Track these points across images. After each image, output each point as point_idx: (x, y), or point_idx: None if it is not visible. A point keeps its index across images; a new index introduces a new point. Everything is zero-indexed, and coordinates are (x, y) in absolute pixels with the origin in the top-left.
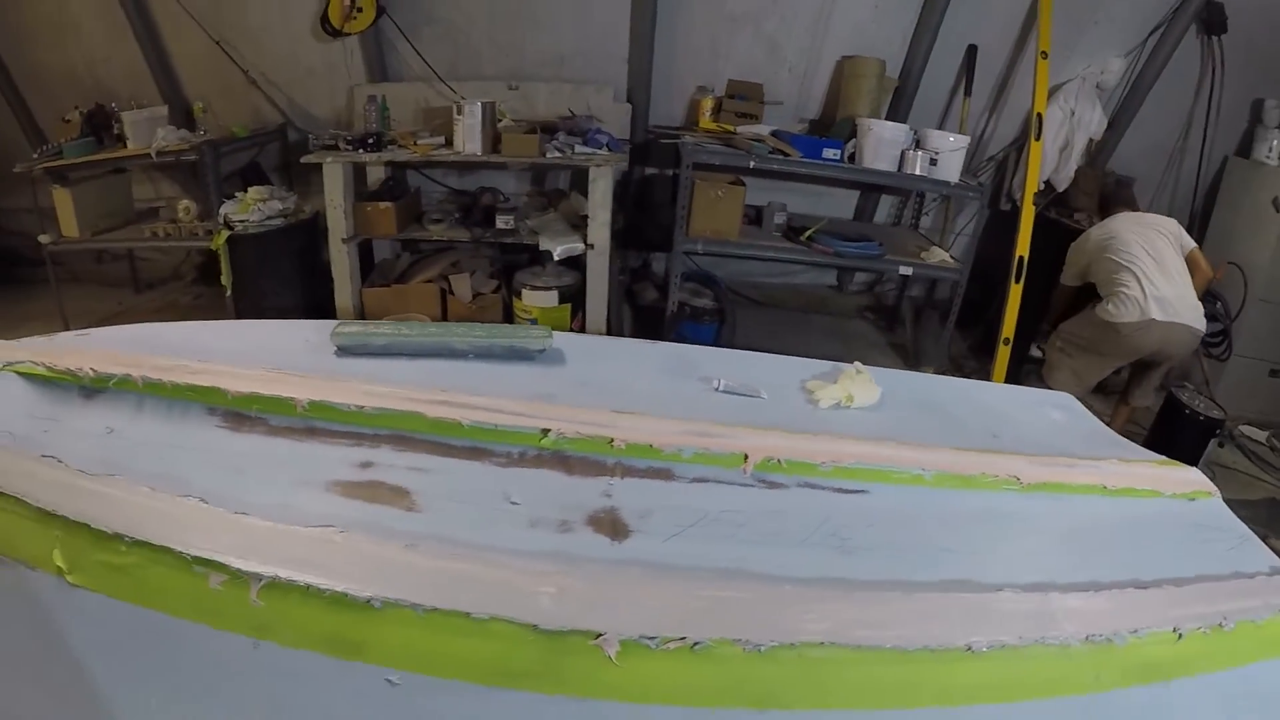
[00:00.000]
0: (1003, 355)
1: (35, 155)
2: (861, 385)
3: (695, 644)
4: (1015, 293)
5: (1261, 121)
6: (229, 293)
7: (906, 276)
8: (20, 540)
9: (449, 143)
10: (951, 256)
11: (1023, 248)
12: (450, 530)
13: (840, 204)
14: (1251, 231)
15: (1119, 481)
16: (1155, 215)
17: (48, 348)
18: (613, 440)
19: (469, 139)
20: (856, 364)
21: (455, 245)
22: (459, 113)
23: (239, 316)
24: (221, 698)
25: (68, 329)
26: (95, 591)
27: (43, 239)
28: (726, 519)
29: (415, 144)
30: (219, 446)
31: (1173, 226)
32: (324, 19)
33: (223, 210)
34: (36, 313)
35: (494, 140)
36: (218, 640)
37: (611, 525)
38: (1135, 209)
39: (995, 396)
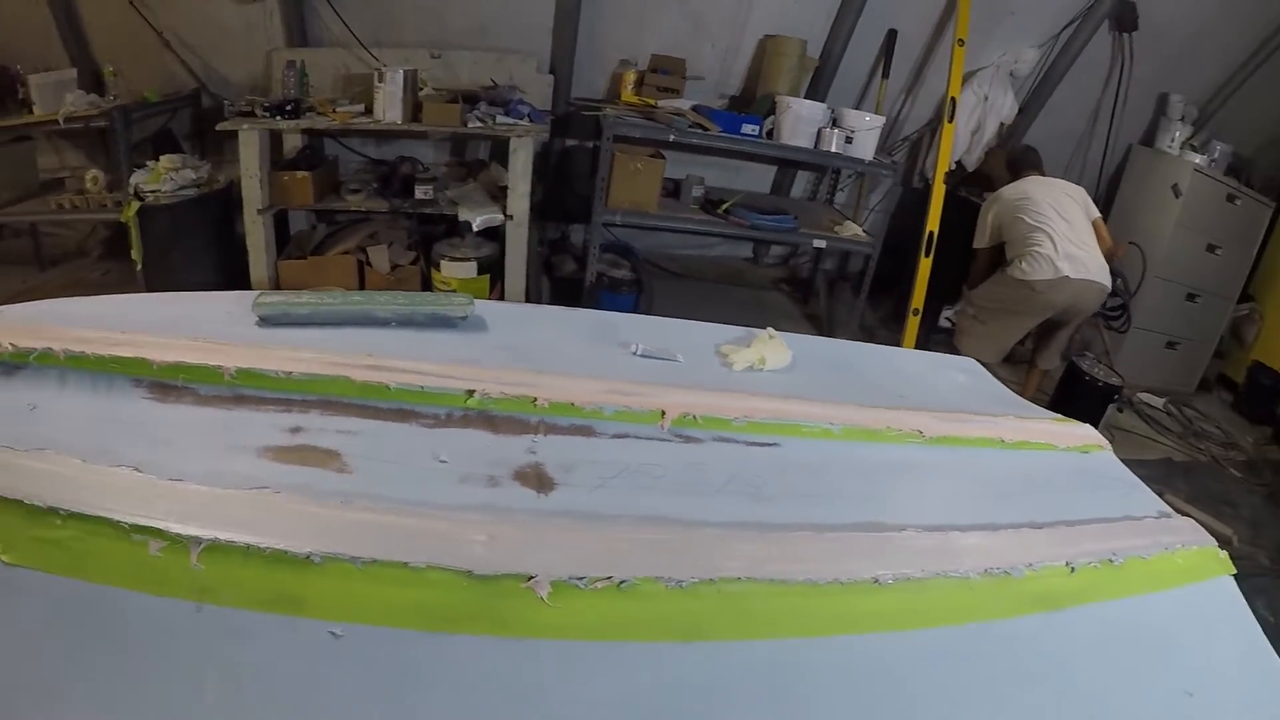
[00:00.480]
0: (912, 325)
1: None
2: (774, 349)
3: (621, 582)
4: (925, 266)
5: (1165, 114)
6: (140, 267)
7: (820, 249)
8: None
9: (368, 111)
10: (865, 231)
11: (933, 223)
12: (381, 489)
13: (758, 178)
14: (1152, 214)
15: (1016, 435)
16: (1063, 180)
17: None
18: (535, 399)
19: (389, 107)
20: (769, 329)
21: (372, 216)
22: (380, 80)
23: (151, 291)
24: (168, 662)
25: None
26: (33, 569)
27: None
28: (646, 471)
29: (334, 112)
30: (147, 417)
31: (1080, 193)
32: None
33: (133, 180)
34: None
35: (415, 109)
36: (160, 606)
37: (537, 479)
38: (1043, 174)
39: (903, 361)
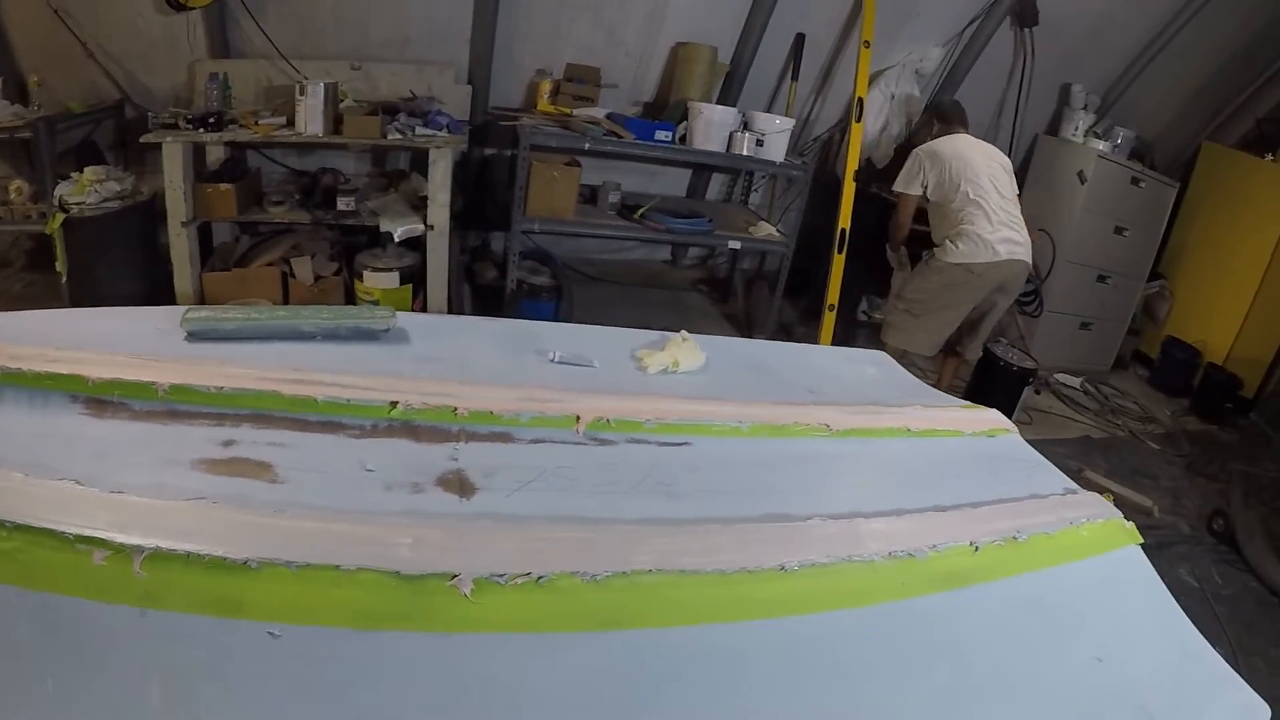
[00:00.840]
0: (828, 320)
1: None
2: (687, 351)
3: (540, 578)
4: (839, 262)
5: (1069, 104)
6: (65, 279)
7: (736, 250)
8: None
9: (290, 123)
10: (779, 230)
11: (845, 220)
12: (312, 498)
13: (674, 182)
14: (1059, 202)
15: (922, 423)
16: (991, 146)
17: None
18: (456, 409)
19: (311, 120)
20: (683, 332)
21: (294, 228)
22: (301, 93)
23: (75, 304)
24: (113, 667)
25: None
26: None
27: None
28: (563, 473)
29: (256, 124)
30: (84, 432)
31: (1008, 164)
32: None
33: (57, 192)
34: None
35: (336, 121)
36: (106, 613)
37: (459, 484)
38: (969, 133)
39: (816, 357)
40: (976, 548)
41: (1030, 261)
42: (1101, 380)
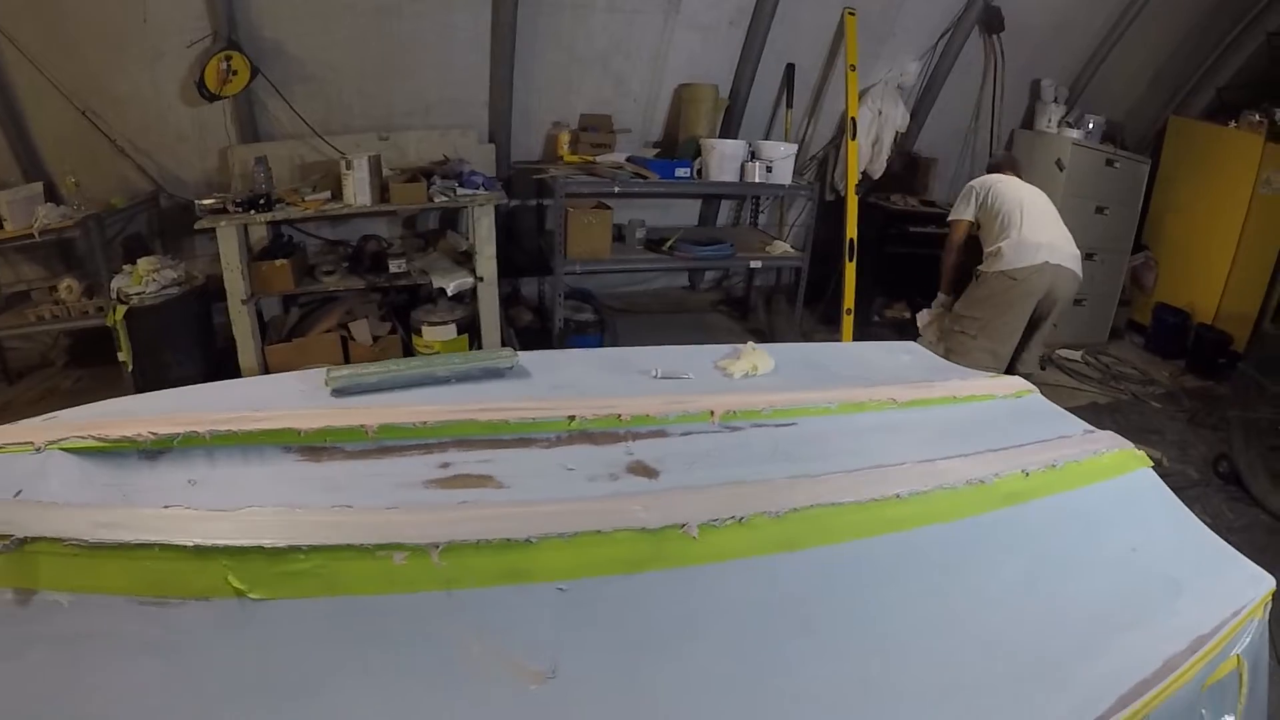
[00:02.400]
0: (848, 323)
1: None
2: (760, 357)
3: (740, 518)
4: (850, 270)
5: (1040, 98)
6: (130, 368)
7: (754, 269)
8: (183, 580)
9: (335, 196)
10: (792, 247)
11: (851, 231)
12: (539, 493)
13: (685, 213)
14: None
15: (964, 391)
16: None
17: (56, 426)
18: (620, 415)
19: (359, 191)
20: (750, 343)
21: (339, 295)
22: (348, 167)
23: (142, 391)
24: (431, 639)
25: None
26: (282, 598)
27: None
28: (714, 454)
29: (303, 200)
30: (310, 474)
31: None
32: (200, 84)
33: (114, 285)
34: None
35: (382, 190)
36: (412, 601)
37: (644, 470)
38: (1020, 178)
39: (859, 351)
40: (1026, 473)
41: (1079, 274)
42: (1101, 351)
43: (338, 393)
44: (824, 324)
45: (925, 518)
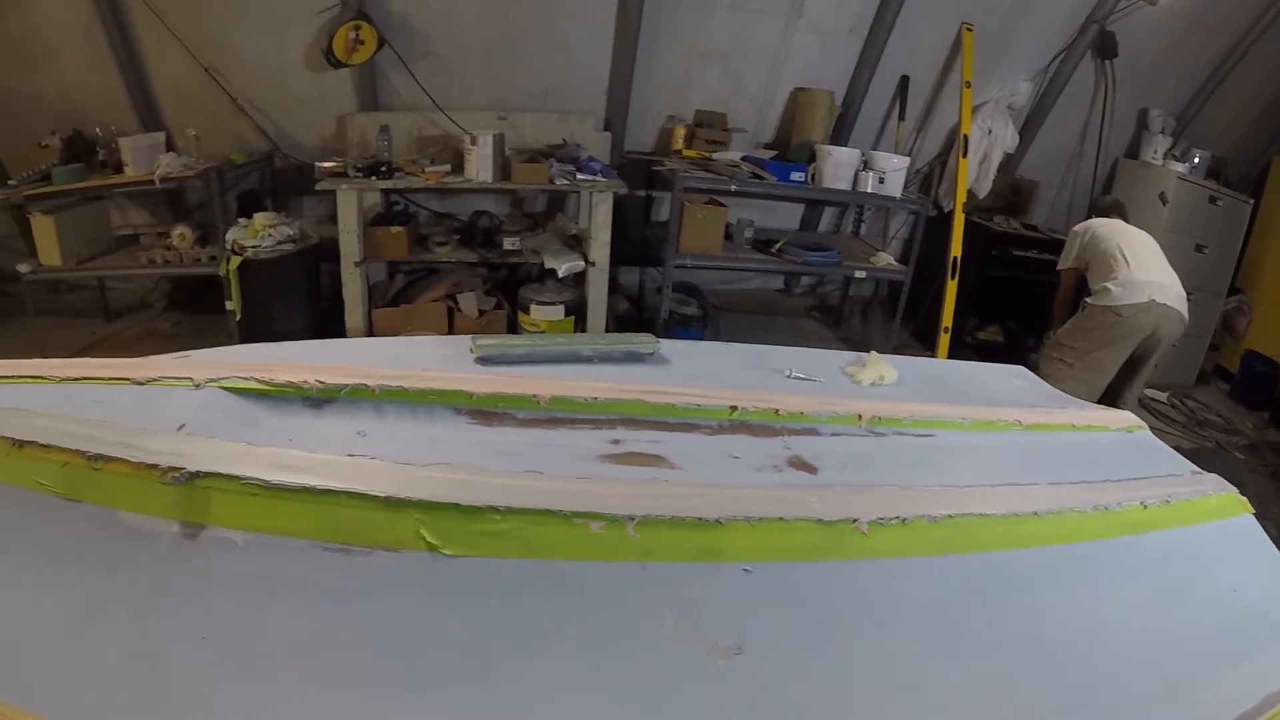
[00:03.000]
0: (944, 341)
1: (15, 181)
2: (885, 367)
3: (904, 519)
4: (951, 288)
5: (1147, 128)
6: (237, 318)
7: (851, 278)
8: (372, 529)
9: (455, 170)
10: (894, 260)
11: (956, 249)
12: (712, 477)
13: (788, 216)
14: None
15: (1081, 421)
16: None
17: (213, 364)
18: (778, 410)
19: (481, 168)
20: (873, 352)
21: (441, 266)
22: (472, 143)
23: (246, 341)
24: (626, 608)
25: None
26: (477, 556)
27: (21, 268)
28: (864, 456)
29: (423, 171)
30: (483, 439)
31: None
32: (328, 52)
33: (229, 236)
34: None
35: (504, 169)
36: (610, 570)
37: (804, 465)
38: (1127, 221)
39: (971, 371)
40: (1144, 505)
41: (1185, 315)
42: (1186, 394)
43: (482, 360)
44: (916, 340)
45: (1057, 537)
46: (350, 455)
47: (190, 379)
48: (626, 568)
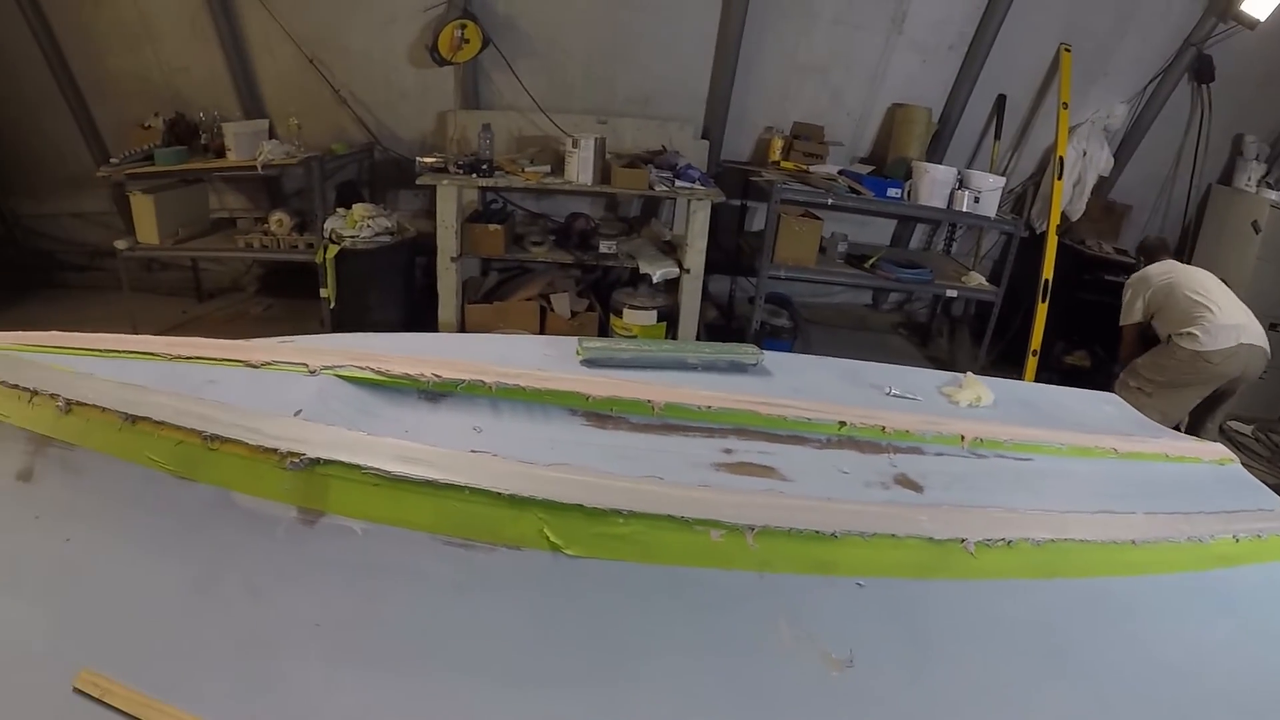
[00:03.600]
0: (1031, 364)
1: (117, 160)
2: (981, 389)
3: (1009, 541)
4: (1042, 311)
5: (1241, 154)
6: (331, 305)
7: (939, 296)
8: (494, 526)
9: (554, 171)
10: (984, 280)
11: (1048, 271)
12: (825, 491)
13: (879, 231)
14: (1233, 250)
15: (1174, 451)
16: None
17: (324, 352)
18: (884, 428)
19: (582, 170)
20: (969, 374)
21: (533, 266)
22: (574, 145)
23: (339, 329)
24: (733, 618)
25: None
26: (598, 558)
27: (119, 245)
28: (967, 477)
29: (523, 171)
30: (598, 441)
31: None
32: (433, 49)
33: (328, 225)
34: (93, 319)
35: (603, 172)
36: (725, 578)
37: (910, 483)
38: (1173, 257)
39: (1062, 396)
40: (1237, 539)
41: (1268, 350)
42: (1271, 428)
43: (588, 363)
44: (1002, 361)
45: (1152, 566)
46: (473, 451)
47: (305, 365)
48: (745, 576)
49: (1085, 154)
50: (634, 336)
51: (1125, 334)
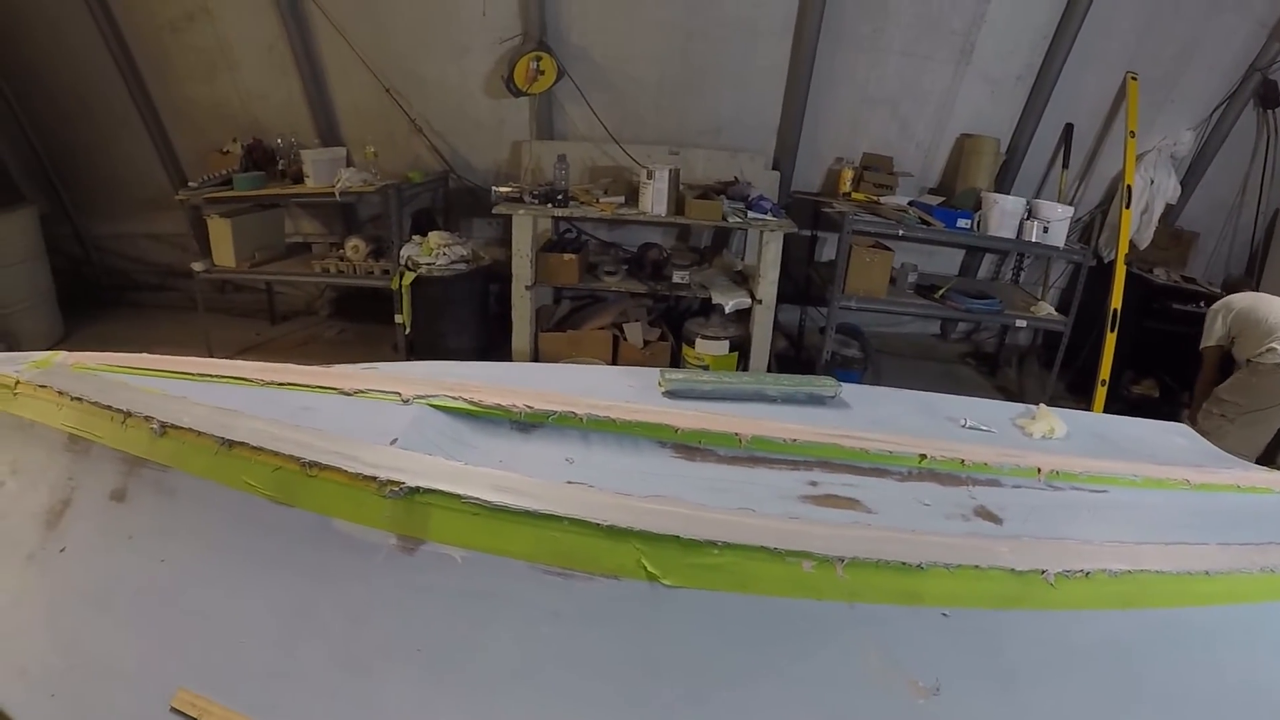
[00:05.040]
0: (1100, 394)
1: (196, 184)
2: (1055, 421)
3: (1088, 573)
4: (1110, 340)
5: None
6: (406, 330)
7: (1008, 326)
8: (593, 556)
9: (628, 202)
10: (1053, 309)
11: (1116, 301)
12: (906, 522)
13: (947, 261)
14: None
15: (1246, 482)
16: None
17: (415, 381)
18: (963, 460)
19: (656, 201)
20: (1042, 405)
21: (604, 295)
22: (648, 177)
23: (413, 356)
24: (824, 647)
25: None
26: (694, 588)
27: (196, 266)
28: (1043, 510)
29: (597, 201)
30: (689, 472)
31: None
32: (509, 80)
33: (404, 252)
34: (167, 339)
35: (677, 203)
36: (816, 608)
37: (990, 516)
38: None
39: (1132, 428)
40: None
41: None
42: None
43: (670, 394)
44: (1070, 391)
45: (1226, 596)
46: (569, 482)
47: (398, 394)
48: (835, 606)
49: (1152, 182)
50: (706, 367)
51: (1206, 357)
